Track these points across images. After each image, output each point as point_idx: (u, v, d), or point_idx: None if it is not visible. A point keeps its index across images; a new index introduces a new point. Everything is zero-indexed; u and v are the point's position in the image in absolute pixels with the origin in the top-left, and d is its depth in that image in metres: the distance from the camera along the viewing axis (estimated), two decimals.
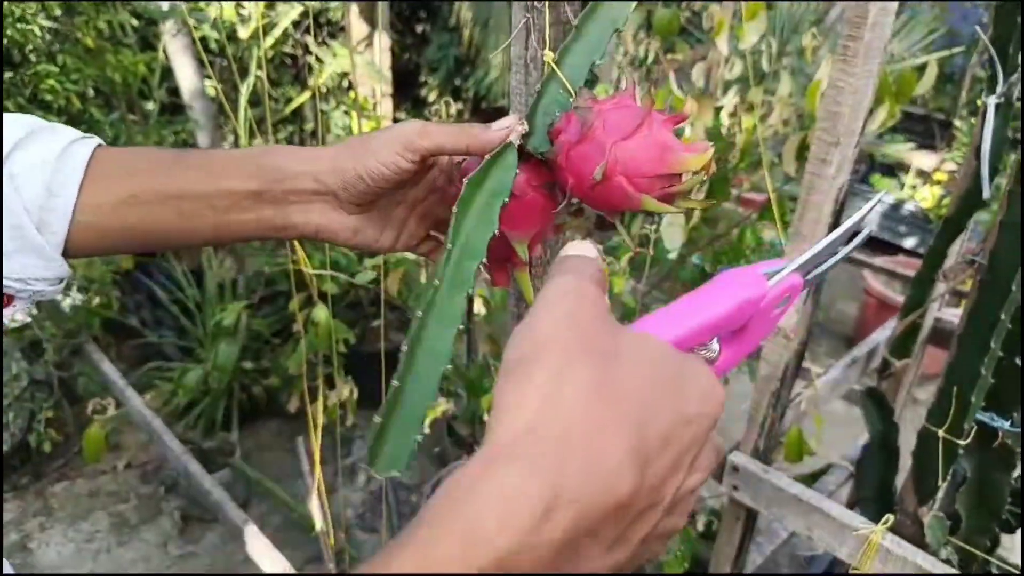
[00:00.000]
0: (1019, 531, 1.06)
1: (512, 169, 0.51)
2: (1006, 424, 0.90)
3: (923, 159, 3.85)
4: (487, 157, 0.51)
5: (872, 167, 4.03)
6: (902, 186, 3.85)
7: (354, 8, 2.49)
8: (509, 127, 0.51)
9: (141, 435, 2.31)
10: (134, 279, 2.56)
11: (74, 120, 2.04)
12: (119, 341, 2.55)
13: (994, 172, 1.06)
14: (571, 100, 0.52)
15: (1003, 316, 0.78)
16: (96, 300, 2.11)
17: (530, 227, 0.54)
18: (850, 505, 1.52)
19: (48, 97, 1.93)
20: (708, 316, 0.33)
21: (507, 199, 0.50)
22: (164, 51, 2.63)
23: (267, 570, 1.50)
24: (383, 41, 2.53)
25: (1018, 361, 0.85)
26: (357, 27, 2.55)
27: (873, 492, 1.33)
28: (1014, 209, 0.78)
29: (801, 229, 0.90)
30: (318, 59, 3.07)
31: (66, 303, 2.16)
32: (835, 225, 0.92)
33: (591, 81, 0.54)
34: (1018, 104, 1.02)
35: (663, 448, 0.27)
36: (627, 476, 0.25)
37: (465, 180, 0.49)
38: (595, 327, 0.28)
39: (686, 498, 0.29)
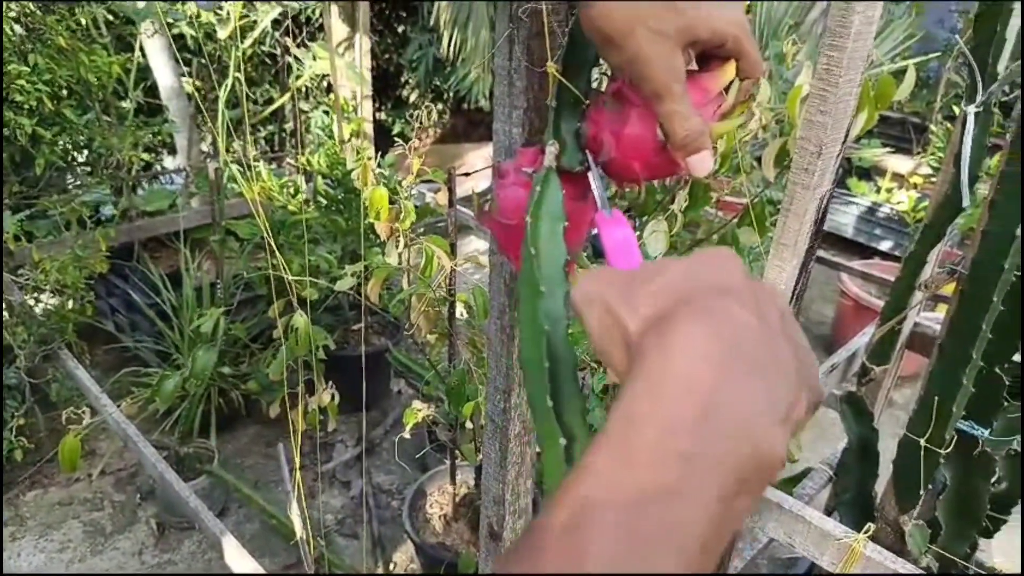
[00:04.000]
0: (999, 534, 1.07)
1: (559, 192, 0.53)
2: (986, 432, 0.91)
3: (899, 163, 3.89)
4: (535, 187, 0.51)
5: (849, 171, 4.07)
6: (878, 189, 3.90)
7: (334, 9, 2.47)
8: None
9: (116, 441, 2.27)
10: (109, 283, 2.52)
11: (46, 121, 2.00)
12: (94, 346, 2.51)
13: (973, 180, 1.07)
14: (583, 107, 0.53)
15: (984, 327, 0.78)
16: (70, 304, 2.06)
17: (579, 236, 0.57)
18: (829, 509, 1.53)
19: (19, 98, 1.88)
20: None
21: (566, 223, 0.52)
22: (141, 50, 2.59)
23: None
24: (363, 43, 2.51)
25: (998, 370, 0.86)
26: (337, 28, 2.53)
27: (852, 496, 1.34)
28: (995, 219, 0.78)
29: (783, 238, 0.90)
30: (297, 60, 3.05)
31: (39, 308, 2.12)
32: (817, 233, 0.92)
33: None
34: (996, 112, 1.03)
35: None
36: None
37: (527, 217, 0.51)
38: None
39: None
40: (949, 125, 2.96)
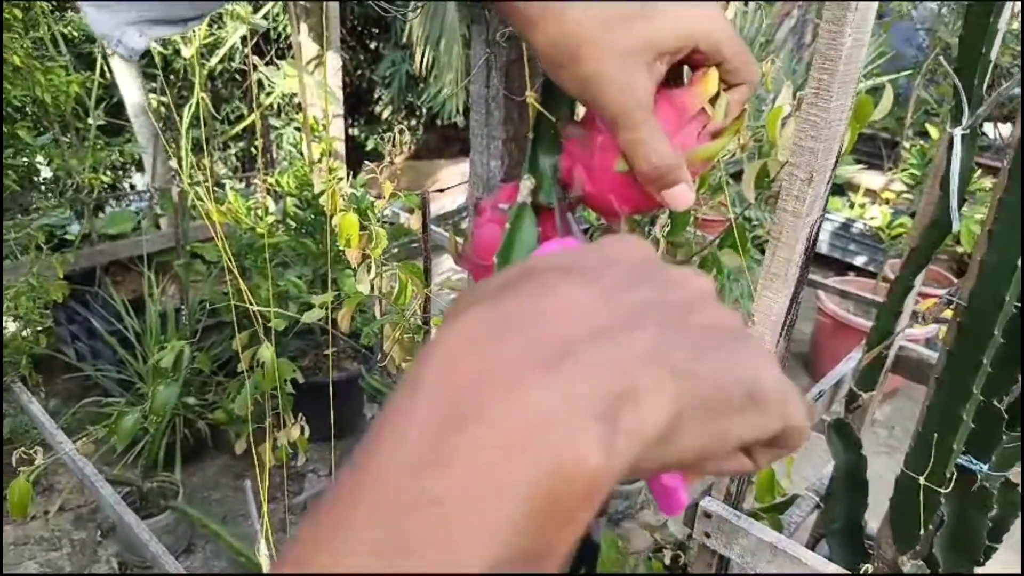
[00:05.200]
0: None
1: (534, 229, 0.48)
2: (984, 467, 0.88)
3: (871, 178, 3.92)
4: (507, 226, 0.47)
5: None
6: (851, 205, 3.92)
7: (304, 27, 2.41)
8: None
9: (75, 477, 2.17)
10: (69, 309, 2.42)
11: None
12: (54, 375, 2.41)
13: (960, 202, 1.05)
14: (562, 138, 0.49)
15: (985, 360, 0.75)
16: (25, 333, 1.97)
17: None
18: (816, 538, 1.49)
19: None
20: None
21: None
22: (106, 67, 2.51)
23: None
24: (334, 61, 2.45)
25: (997, 403, 0.82)
26: (307, 46, 2.47)
27: (841, 526, 1.31)
28: (994, 249, 0.75)
29: (773, 268, 0.86)
30: (265, 80, 2.98)
31: None
32: (807, 264, 0.88)
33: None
34: (982, 135, 1.01)
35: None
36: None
37: (495, 258, 0.46)
38: None
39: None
40: (922, 142, 2.98)
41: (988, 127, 3.60)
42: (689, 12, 0.39)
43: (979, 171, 2.69)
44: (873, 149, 4.13)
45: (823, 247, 3.97)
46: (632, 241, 0.27)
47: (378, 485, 0.19)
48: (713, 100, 0.43)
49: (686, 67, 0.45)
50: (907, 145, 3.33)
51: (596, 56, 0.39)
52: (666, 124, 0.42)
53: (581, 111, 0.49)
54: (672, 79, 0.44)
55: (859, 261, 3.83)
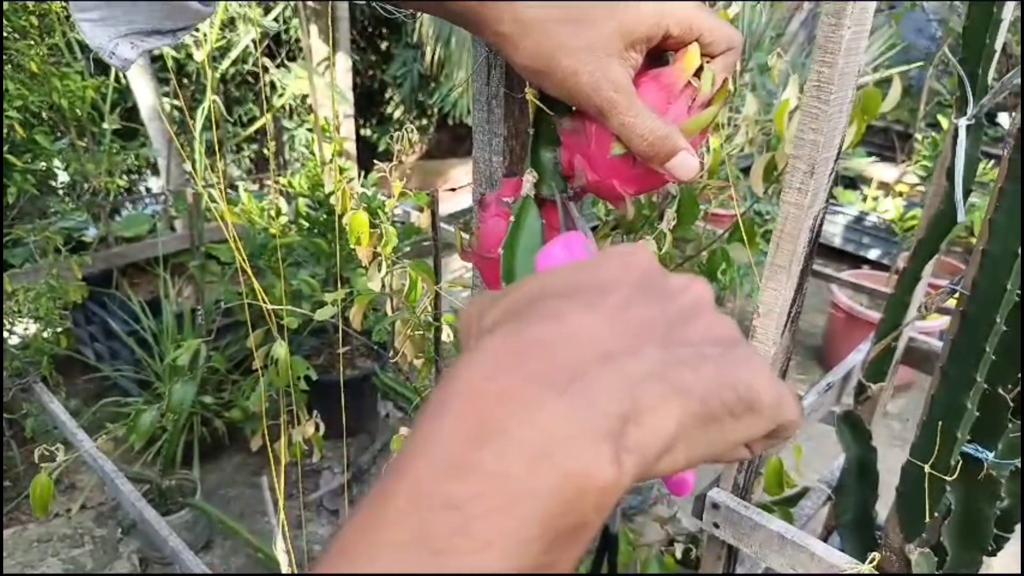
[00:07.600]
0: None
1: (537, 222, 0.49)
2: (991, 455, 0.88)
3: (884, 171, 3.90)
4: (511, 219, 0.49)
5: (836, 180, 4.07)
6: (864, 198, 3.90)
7: (314, 29, 2.44)
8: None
9: (96, 475, 2.21)
10: (88, 311, 2.46)
11: (17, 148, 1.95)
12: (73, 375, 2.45)
13: (966, 193, 1.05)
14: (559, 131, 0.51)
15: (988, 348, 0.76)
16: (45, 334, 2.01)
17: None
18: (828, 530, 1.49)
19: None
20: None
21: None
22: (121, 72, 2.55)
23: None
24: (344, 62, 2.48)
25: (1002, 391, 0.83)
26: (317, 48, 2.50)
27: (852, 518, 1.31)
28: (995, 238, 0.75)
29: (777, 260, 0.87)
30: (277, 82, 3.01)
31: (14, 340, 2.06)
32: (811, 255, 0.89)
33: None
34: (996, 125, 1.01)
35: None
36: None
37: (500, 249, 0.48)
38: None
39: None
40: (934, 134, 2.96)
41: (1003, 117, 3.57)
42: (655, 3, 0.42)
43: (991, 162, 2.67)
44: (886, 141, 4.11)
45: (836, 240, 3.96)
46: (632, 255, 0.29)
47: (409, 490, 0.21)
48: (699, 73, 0.45)
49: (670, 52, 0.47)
50: (920, 137, 3.31)
51: (568, 57, 0.42)
52: (656, 103, 0.44)
53: None
54: (658, 62, 0.46)
55: (873, 254, 3.81)
